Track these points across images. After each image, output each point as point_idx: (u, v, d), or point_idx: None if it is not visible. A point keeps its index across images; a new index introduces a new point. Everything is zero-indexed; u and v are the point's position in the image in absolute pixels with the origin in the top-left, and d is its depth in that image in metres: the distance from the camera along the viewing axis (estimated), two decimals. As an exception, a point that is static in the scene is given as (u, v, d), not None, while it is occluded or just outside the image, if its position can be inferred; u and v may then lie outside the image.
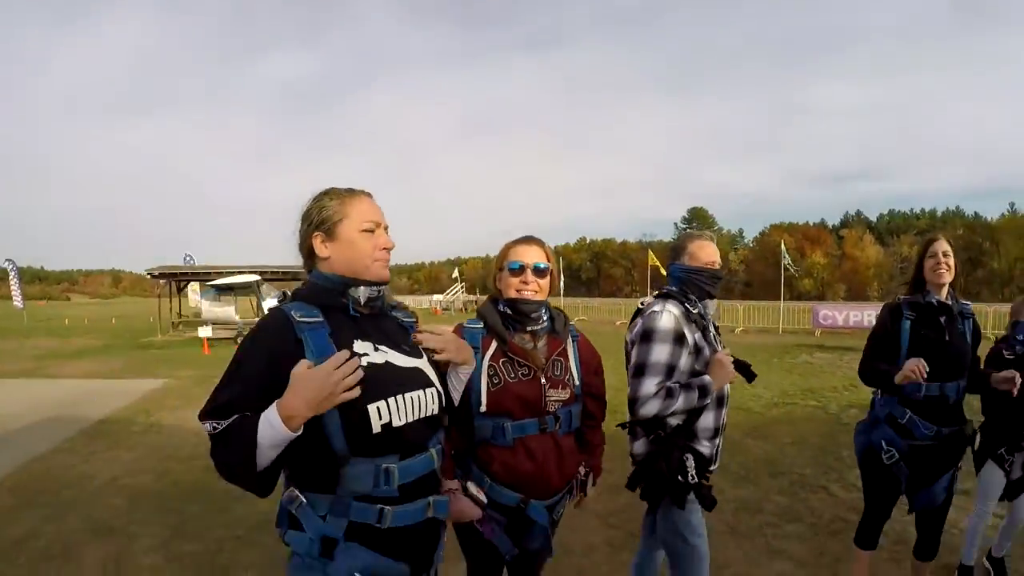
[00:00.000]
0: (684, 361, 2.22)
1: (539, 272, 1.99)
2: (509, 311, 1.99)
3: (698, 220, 72.01)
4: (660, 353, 2.18)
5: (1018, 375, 2.54)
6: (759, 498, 4.45)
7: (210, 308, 19.04)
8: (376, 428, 1.35)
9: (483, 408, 1.88)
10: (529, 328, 1.99)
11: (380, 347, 1.45)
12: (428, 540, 1.50)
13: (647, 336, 2.21)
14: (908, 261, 2.76)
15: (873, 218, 66.82)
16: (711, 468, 2.31)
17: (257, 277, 19.21)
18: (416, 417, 1.43)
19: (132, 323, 25.97)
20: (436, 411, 1.50)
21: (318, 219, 1.48)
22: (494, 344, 1.95)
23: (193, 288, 23.26)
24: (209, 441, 1.32)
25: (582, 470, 2.13)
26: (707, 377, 2.20)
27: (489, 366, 1.91)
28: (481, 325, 1.98)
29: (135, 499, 4.49)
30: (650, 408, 2.15)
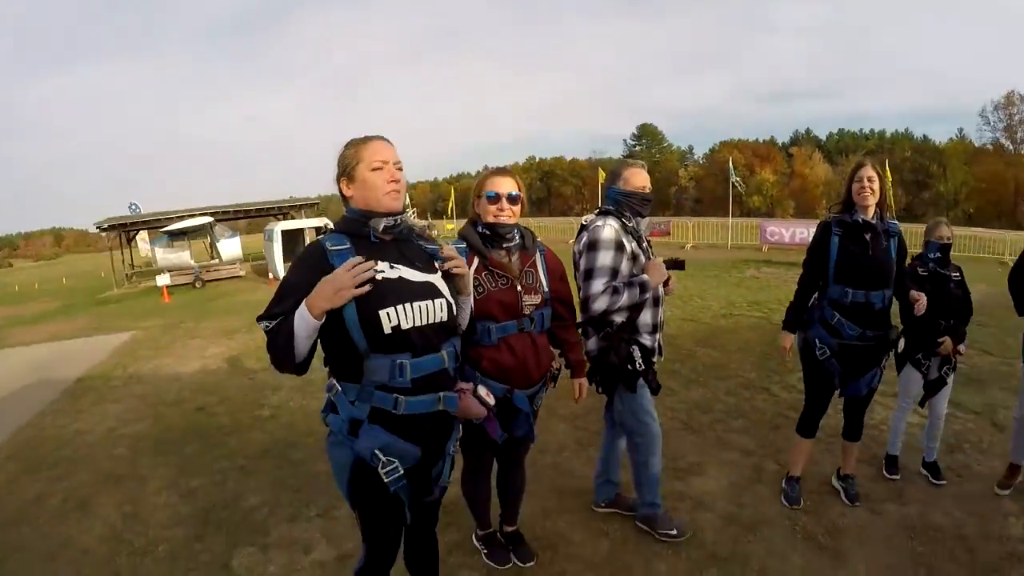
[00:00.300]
0: (624, 266, 2.63)
1: (512, 200, 2.32)
2: (488, 232, 2.32)
3: (647, 136, 69.40)
4: (605, 258, 2.58)
5: (924, 298, 2.91)
6: (709, 399, 4.96)
7: (164, 255, 18.61)
8: (387, 330, 1.65)
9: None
10: (504, 246, 2.33)
11: (396, 265, 1.72)
12: (440, 430, 1.81)
13: (593, 246, 2.61)
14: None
15: (823, 137, 66.65)
16: (654, 359, 2.76)
17: (210, 219, 18.78)
18: (424, 322, 1.71)
19: (84, 281, 24.91)
20: (445, 318, 1.77)
21: (341, 166, 1.77)
22: (476, 260, 2.29)
23: (142, 237, 22.35)
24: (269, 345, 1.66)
25: (555, 365, 2.53)
26: (645, 276, 2.62)
27: (473, 278, 2.23)
28: (464, 245, 2.30)
29: (135, 446, 4.64)
30: (600, 304, 2.58)
